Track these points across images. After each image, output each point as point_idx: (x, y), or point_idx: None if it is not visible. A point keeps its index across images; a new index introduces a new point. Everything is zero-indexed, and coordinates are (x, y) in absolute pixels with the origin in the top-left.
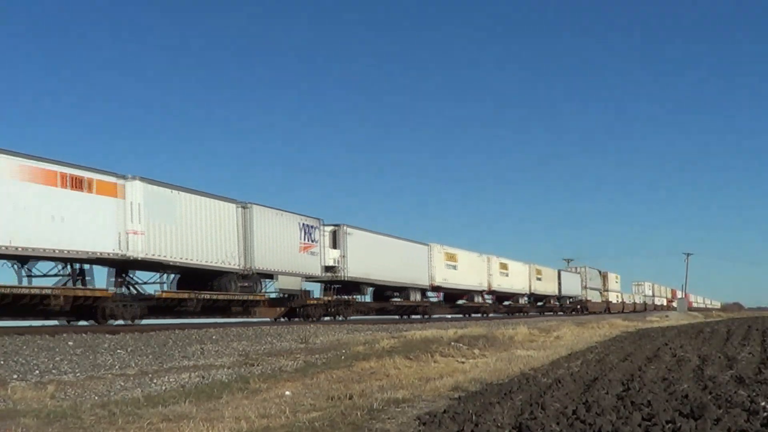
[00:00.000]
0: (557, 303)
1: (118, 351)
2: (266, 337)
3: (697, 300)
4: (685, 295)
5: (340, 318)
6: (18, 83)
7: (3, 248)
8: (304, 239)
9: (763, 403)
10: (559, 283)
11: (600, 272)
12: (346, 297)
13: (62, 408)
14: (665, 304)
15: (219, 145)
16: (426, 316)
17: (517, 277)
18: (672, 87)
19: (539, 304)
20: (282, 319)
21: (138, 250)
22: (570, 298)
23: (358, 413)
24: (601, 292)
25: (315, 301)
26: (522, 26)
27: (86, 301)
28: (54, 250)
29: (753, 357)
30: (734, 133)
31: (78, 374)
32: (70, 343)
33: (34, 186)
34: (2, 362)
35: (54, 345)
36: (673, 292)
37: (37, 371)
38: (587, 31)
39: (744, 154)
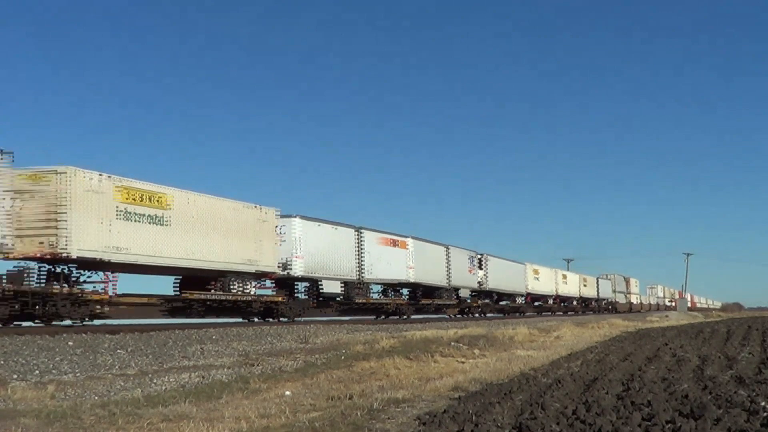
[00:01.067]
0: (596, 304)
1: (118, 351)
2: (266, 337)
3: (701, 300)
4: (690, 296)
5: (483, 315)
6: (18, 83)
7: (377, 280)
8: (470, 265)
9: (763, 403)
10: (597, 288)
11: (624, 278)
12: (486, 301)
13: (62, 408)
14: (673, 304)
15: (218, 144)
16: (522, 314)
17: (572, 285)
18: (672, 87)
19: (583, 305)
20: (452, 316)
21: (412, 277)
22: (604, 300)
23: (358, 413)
24: (625, 295)
25: (475, 303)
26: (522, 26)
27: (399, 306)
28: (389, 279)
29: (753, 357)
30: (734, 133)
31: (78, 374)
32: (70, 343)
33: (382, 247)
34: (2, 362)
35: (54, 345)
36: (680, 294)
37: (37, 371)
38: (587, 31)
39: (744, 154)
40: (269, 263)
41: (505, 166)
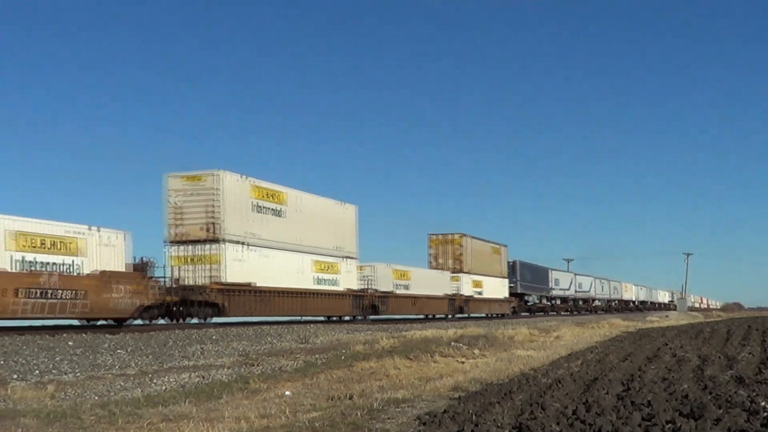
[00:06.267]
0: (668, 305)
1: (118, 351)
2: (266, 337)
3: (709, 301)
4: (707, 300)
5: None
6: (17, 81)
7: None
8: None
9: (763, 403)
10: (672, 297)
11: (680, 292)
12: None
13: (62, 408)
14: (699, 306)
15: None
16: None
17: (668, 296)
18: (672, 87)
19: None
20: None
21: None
22: (671, 303)
23: (358, 413)
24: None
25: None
26: (526, 24)
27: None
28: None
29: (753, 357)
30: (734, 133)
31: (78, 374)
32: (70, 343)
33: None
34: (2, 362)
35: (54, 345)
36: (701, 299)
37: (37, 371)
38: (588, 31)
39: (744, 154)
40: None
41: (504, 167)
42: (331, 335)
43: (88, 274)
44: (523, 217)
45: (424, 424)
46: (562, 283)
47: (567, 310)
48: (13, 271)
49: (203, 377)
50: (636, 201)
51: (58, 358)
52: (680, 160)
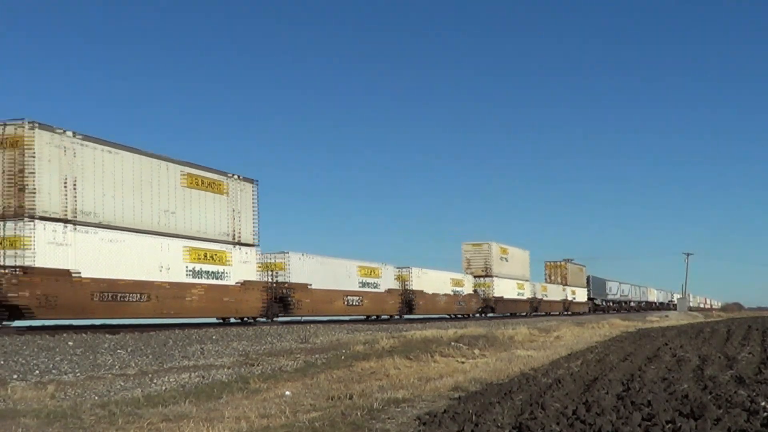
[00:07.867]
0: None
1: (118, 351)
2: (266, 337)
3: (711, 301)
4: (710, 301)
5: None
6: (17, 82)
7: None
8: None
9: (763, 403)
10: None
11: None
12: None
13: (62, 408)
14: (702, 306)
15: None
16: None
17: (674, 296)
18: (672, 87)
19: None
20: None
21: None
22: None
23: (358, 413)
24: (702, 304)
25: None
26: (526, 25)
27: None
28: None
29: (753, 357)
30: (734, 132)
31: (78, 374)
32: (70, 343)
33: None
34: (2, 362)
35: (54, 345)
36: (705, 300)
37: (37, 371)
38: (589, 30)
39: (744, 154)
40: None
41: (503, 168)
42: (331, 335)
43: (466, 294)
44: (523, 216)
45: (424, 424)
46: (613, 290)
47: (615, 310)
48: (449, 294)
49: (203, 377)
50: (636, 201)
51: (58, 358)
52: (680, 160)
